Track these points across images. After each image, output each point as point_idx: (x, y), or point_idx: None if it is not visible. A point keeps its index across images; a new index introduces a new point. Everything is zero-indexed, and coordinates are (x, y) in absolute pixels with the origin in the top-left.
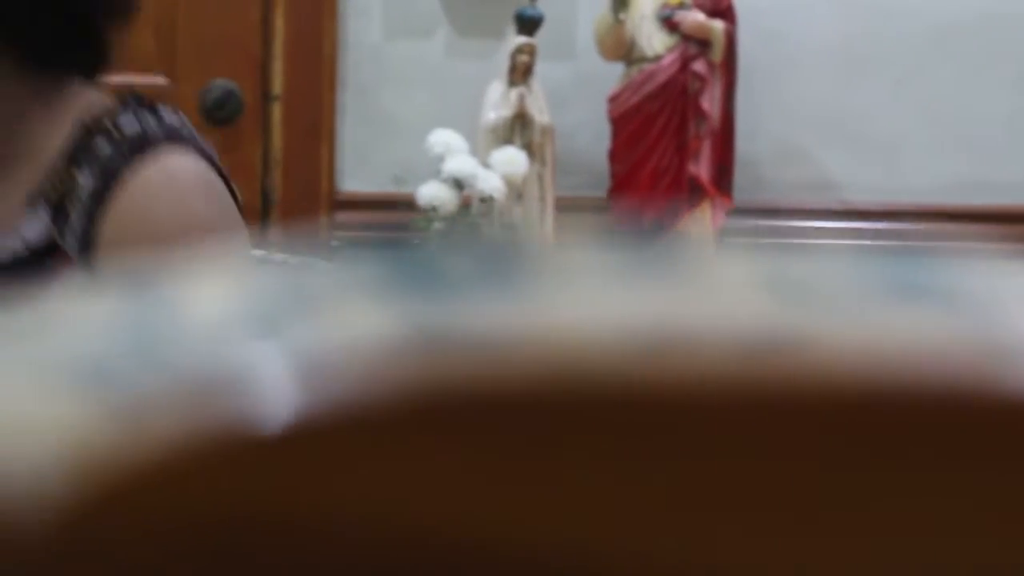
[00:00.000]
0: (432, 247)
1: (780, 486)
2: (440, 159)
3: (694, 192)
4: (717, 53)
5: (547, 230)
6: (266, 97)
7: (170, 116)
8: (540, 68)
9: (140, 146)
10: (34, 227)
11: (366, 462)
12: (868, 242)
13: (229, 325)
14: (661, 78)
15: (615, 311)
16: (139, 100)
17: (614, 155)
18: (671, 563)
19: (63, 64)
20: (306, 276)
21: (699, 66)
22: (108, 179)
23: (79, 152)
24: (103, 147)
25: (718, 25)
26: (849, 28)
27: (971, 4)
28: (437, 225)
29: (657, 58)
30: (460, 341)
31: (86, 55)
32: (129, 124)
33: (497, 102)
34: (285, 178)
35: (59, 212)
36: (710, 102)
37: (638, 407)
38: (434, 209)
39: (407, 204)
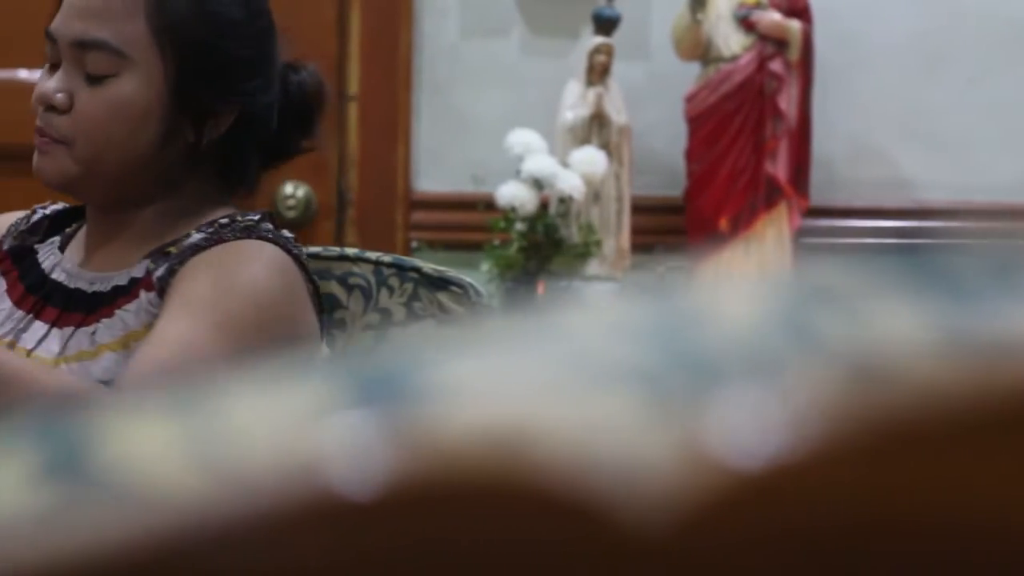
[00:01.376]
0: (945, 252)
1: None
2: (519, 159)
3: (771, 192)
4: (794, 52)
5: (624, 230)
6: (342, 96)
7: (285, 235)
8: (615, 68)
9: (249, 230)
10: (141, 268)
11: (931, 467)
12: (943, 241)
13: (762, 329)
14: (738, 78)
15: None
16: (271, 217)
17: (690, 155)
18: None
19: (243, 189)
20: (826, 281)
21: (776, 66)
22: (212, 239)
23: (205, 225)
24: (223, 223)
25: (795, 25)
26: (923, 27)
27: None
28: (519, 226)
29: (734, 58)
30: (1002, 346)
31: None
32: (251, 217)
33: (574, 102)
34: (361, 178)
35: (161, 253)
36: (787, 102)
37: None
38: (513, 209)
39: (484, 204)
